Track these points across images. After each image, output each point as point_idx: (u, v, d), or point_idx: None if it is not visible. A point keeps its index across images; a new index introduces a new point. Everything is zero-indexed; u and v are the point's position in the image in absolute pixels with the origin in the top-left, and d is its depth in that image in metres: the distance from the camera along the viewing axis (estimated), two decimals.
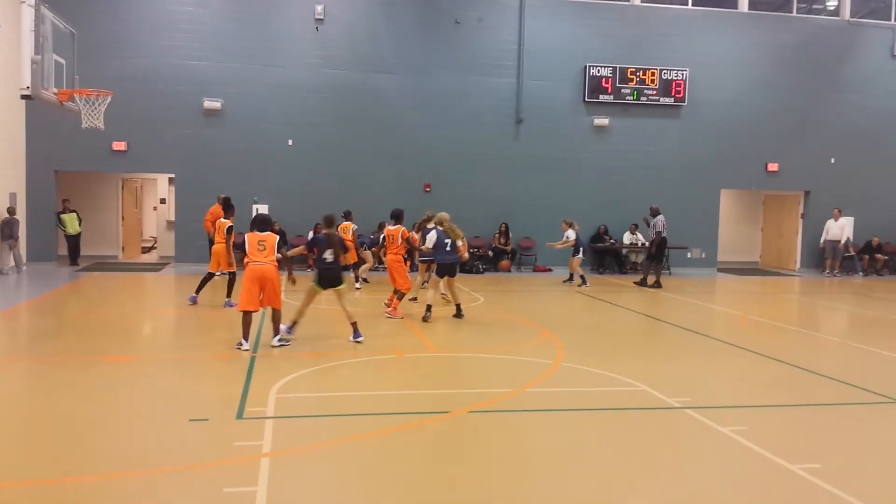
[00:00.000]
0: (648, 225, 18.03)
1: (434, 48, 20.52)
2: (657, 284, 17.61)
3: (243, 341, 9.29)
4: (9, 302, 13.59)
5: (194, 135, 19.50)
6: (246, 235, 9.61)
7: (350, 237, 15.74)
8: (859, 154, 22.50)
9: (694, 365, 9.53)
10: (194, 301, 13.05)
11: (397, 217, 12.71)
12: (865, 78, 22.55)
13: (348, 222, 16.19)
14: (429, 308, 11.91)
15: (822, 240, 21.96)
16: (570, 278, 17.91)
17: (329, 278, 9.89)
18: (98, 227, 21.25)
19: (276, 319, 9.60)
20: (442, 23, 20.49)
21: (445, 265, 12.18)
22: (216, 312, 12.46)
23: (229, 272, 13.16)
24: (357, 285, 15.71)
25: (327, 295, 10.09)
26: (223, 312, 12.34)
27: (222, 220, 13.18)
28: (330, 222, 10.35)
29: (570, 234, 17.52)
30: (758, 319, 13.46)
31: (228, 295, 12.99)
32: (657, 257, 17.96)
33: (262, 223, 9.62)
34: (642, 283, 17.99)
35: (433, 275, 12.54)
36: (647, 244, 18.64)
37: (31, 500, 4.87)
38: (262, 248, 9.37)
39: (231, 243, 13.08)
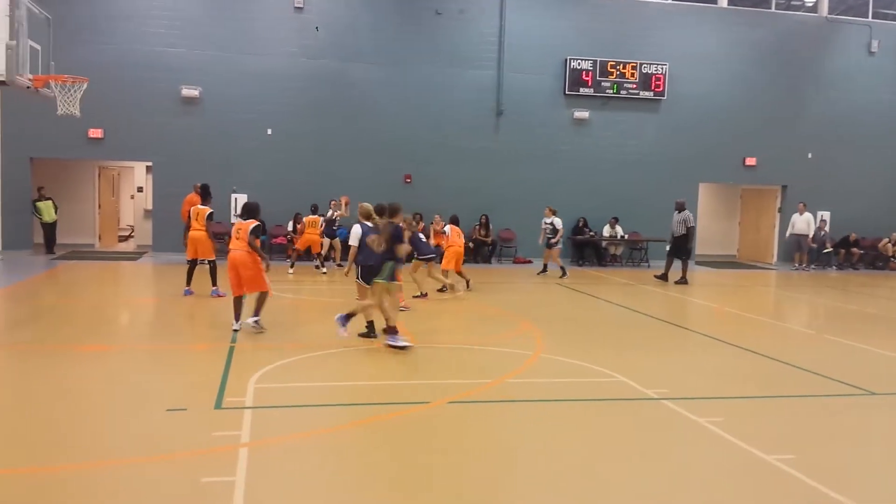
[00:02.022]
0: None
1: (414, 39, 20.46)
2: (683, 280, 17.03)
3: (234, 322, 9.77)
4: None
5: (172, 123, 19.32)
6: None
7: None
8: (836, 149, 22.77)
9: (671, 356, 9.61)
10: (189, 293, 12.81)
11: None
12: (842, 74, 22.79)
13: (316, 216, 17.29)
14: (369, 326, 9.63)
15: (787, 233, 22.11)
16: (544, 269, 17.91)
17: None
18: (74, 216, 21.02)
19: (258, 300, 9.75)
20: (422, 13, 20.43)
21: (371, 268, 9.34)
22: (194, 301, 12.38)
23: (209, 260, 12.94)
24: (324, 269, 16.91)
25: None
26: (201, 301, 12.27)
27: (200, 206, 12.93)
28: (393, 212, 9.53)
29: (558, 222, 17.30)
30: (734, 312, 13.59)
31: (214, 283, 12.87)
32: (681, 252, 17.27)
33: (244, 211, 9.95)
34: (663, 277, 17.35)
35: (360, 282, 9.80)
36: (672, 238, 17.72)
37: (7, 489, 4.81)
38: (237, 236, 9.69)
39: (211, 231, 12.90)
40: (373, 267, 9.24)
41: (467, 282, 15.21)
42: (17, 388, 7.27)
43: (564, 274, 17.27)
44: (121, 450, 5.55)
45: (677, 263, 17.32)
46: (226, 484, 4.86)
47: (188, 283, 12.96)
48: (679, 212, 17.41)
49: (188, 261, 13.07)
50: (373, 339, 9.48)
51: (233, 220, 18.89)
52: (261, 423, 6.17)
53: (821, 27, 22.78)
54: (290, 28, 19.77)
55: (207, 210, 12.78)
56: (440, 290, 13.94)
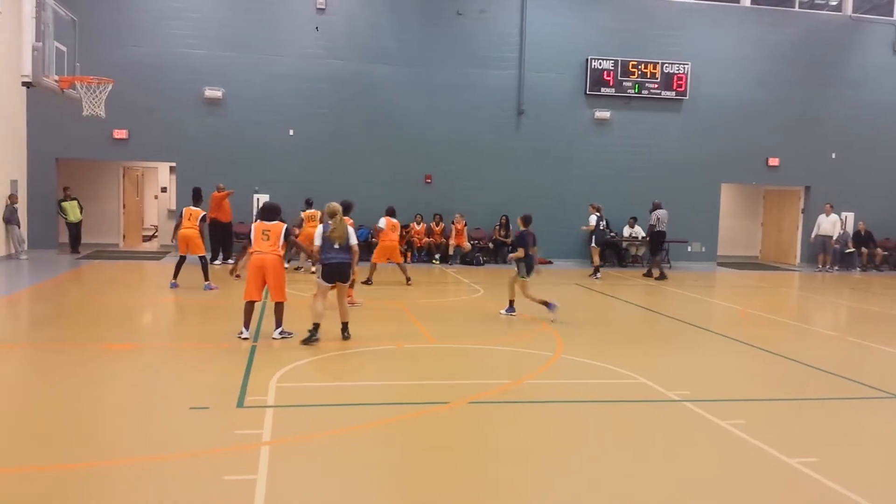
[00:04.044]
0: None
1: (436, 39, 20.48)
2: (661, 277, 17.79)
3: (244, 330, 9.32)
4: (10, 289, 13.61)
5: (195, 124, 19.49)
6: (252, 225, 9.67)
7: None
8: (860, 150, 22.51)
9: (693, 358, 9.56)
10: (175, 286, 13.60)
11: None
12: (867, 74, 22.53)
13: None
14: (315, 328, 9.27)
15: (812, 235, 21.95)
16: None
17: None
18: (99, 215, 21.27)
19: (277, 311, 9.47)
20: (444, 14, 20.45)
21: (332, 267, 9.35)
22: (215, 300, 12.49)
23: (200, 256, 13.72)
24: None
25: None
26: (221, 300, 12.37)
27: (193, 208, 13.95)
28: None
29: (592, 219, 17.67)
30: (757, 313, 13.49)
31: (206, 278, 13.69)
32: (653, 250, 18.43)
33: (268, 212, 9.61)
34: (648, 274, 18.45)
35: (319, 280, 9.52)
36: (646, 237, 18.98)
37: (32, 486, 4.90)
38: (267, 238, 9.33)
39: (204, 230, 14.27)
40: (340, 265, 9.30)
41: (407, 278, 14.91)
42: (42, 385, 7.38)
43: (594, 274, 17.45)
44: (144, 447, 5.61)
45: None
46: (247, 482, 4.91)
47: (175, 276, 13.76)
48: (652, 211, 18.35)
49: (180, 256, 13.96)
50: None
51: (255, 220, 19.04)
52: (282, 421, 6.22)
53: (845, 26, 22.53)
54: (313, 29, 19.85)
55: (201, 212, 13.86)
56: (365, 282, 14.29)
